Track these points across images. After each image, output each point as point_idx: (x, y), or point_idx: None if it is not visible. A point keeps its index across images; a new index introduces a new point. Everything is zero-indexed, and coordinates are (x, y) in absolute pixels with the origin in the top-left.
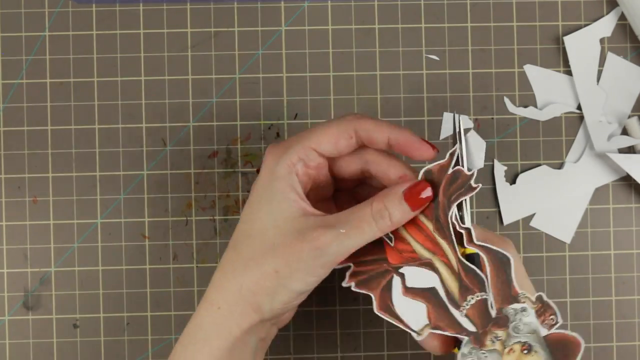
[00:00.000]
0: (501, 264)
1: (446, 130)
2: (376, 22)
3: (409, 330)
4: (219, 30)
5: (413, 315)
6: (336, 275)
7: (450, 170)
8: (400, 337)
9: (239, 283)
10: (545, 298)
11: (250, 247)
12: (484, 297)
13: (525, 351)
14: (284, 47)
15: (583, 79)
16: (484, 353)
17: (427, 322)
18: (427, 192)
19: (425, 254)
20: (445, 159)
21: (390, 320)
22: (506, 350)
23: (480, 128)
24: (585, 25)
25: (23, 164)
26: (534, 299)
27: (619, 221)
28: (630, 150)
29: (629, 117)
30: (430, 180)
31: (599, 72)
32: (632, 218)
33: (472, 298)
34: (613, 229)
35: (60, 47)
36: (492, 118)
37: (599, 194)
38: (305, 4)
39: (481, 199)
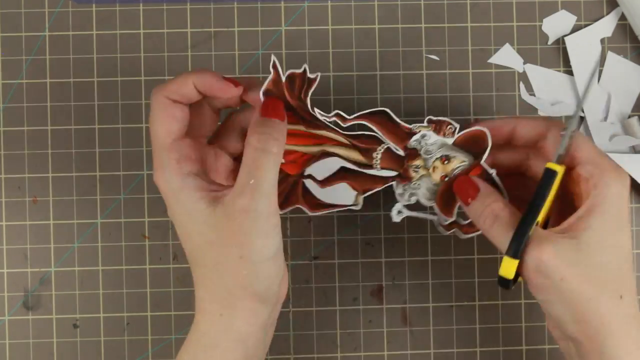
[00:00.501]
0: (381, 116)
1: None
2: (376, 22)
3: (348, 207)
4: (219, 30)
5: (342, 196)
6: (336, 276)
7: (283, 79)
8: (401, 337)
9: (224, 287)
10: (433, 118)
11: (204, 257)
12: (385, 146)
13: (446, 162)
14: (284, 47)
15: (584, 79)
16: (415, 184)
17: (355, 192)
18: (275, 104)
19: (314, 149)
20: (271, 73)
21: (329, 212)
22: (430, 170)
23: None
24: (586, 26)
25: (23, 164)
26: (425, 124)
27: None
28: (631, 150)
29: (629, 116)
30: (274, 94)
31: (600, 72)
32: (632, 218)
33: (377, 153)
34: None
35: (60, 47)
36: (492, 118)
37: None
38: (305, 4)
39: None
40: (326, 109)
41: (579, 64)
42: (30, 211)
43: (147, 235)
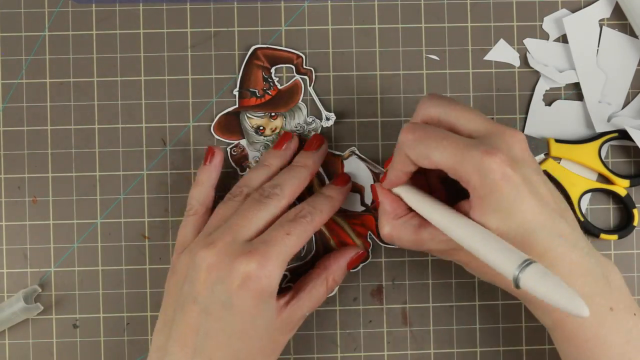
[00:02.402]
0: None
1: None
2: (376, 22)
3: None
4: (219, 30)
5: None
6: None
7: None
8: (401, 336)
9: None
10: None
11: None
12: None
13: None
14: (283, 47)
15: (583, 60)
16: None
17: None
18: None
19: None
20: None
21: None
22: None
23: None
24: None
25: (23, 164)
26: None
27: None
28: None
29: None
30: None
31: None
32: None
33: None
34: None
35: (60, 47)
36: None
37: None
38: (305, 4)
39: None
40: (326, 109)
41: (578, 46)
42: (30, 211)
43: (147, 235)
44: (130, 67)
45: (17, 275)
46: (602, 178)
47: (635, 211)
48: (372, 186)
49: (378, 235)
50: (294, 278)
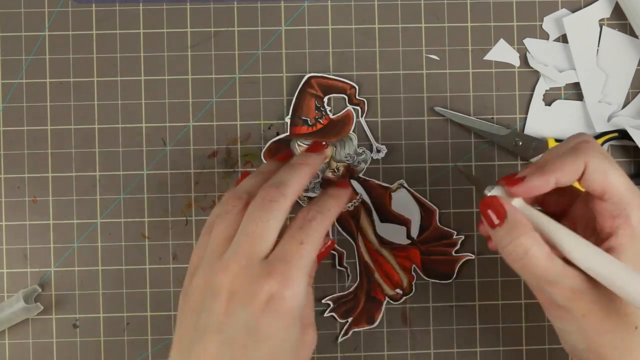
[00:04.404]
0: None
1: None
2: (376, 22)
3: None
4: (219, 30)
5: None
6: (336, 276)
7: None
8: (401, 337)
9: None
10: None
11: None
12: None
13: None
14: (284, 47)
15: (583, 60)
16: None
17: None
18: None
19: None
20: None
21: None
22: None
23: None
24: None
25: (23, 164)
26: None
27: None
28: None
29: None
30: None
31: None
32: None
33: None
34: None
35: (60, 46)
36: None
37: None
38: (305, 4)
39: None
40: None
41: (578, 45)
42: (30, 211)
43: (147, 235)
44: (130, 67)
45: (17, 275)
46: None
47: None
48: (483, 201)
49: (422, 269)
50: (336, 307)
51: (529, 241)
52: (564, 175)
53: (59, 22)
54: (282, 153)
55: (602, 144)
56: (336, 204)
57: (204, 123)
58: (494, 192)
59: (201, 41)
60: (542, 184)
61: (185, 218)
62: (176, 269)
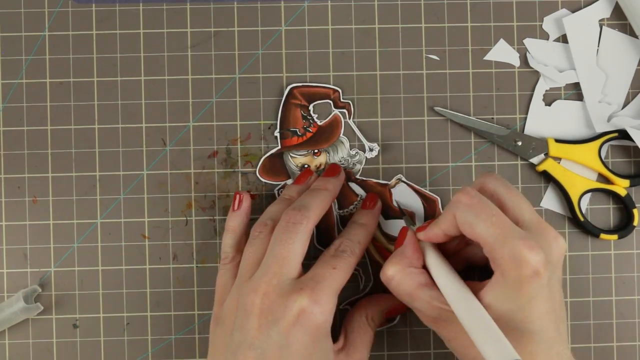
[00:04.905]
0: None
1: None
2: (376, 22)
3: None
4: (219, 30)
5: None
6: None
7: None
8: (401, 337)
9: None
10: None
11: None
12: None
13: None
14: (284, 47)
15: (583, 60)
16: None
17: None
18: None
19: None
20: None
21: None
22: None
23: None
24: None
25: (23, 164)
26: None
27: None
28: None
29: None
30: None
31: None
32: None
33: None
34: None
35: (60, 46)
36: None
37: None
38: (305, 4)
39: None
40: (326, 109)
41: (578, 45)
42: (30, 211)
43: (147, 235)
44: (130, 67)
45: (17, 275)
46: (602, 178)
47: (635, 211)
48: (403, 228)
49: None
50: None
51: (392, 271)
52: (447, 228)
53: (59, 22)
54: (300, 175)
55: (602, 144)
56: (367, 233)
57: (204, 123)
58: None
59: (201, 41)
60: (434, 234)
61: (185, 218)
62: (176, 269)
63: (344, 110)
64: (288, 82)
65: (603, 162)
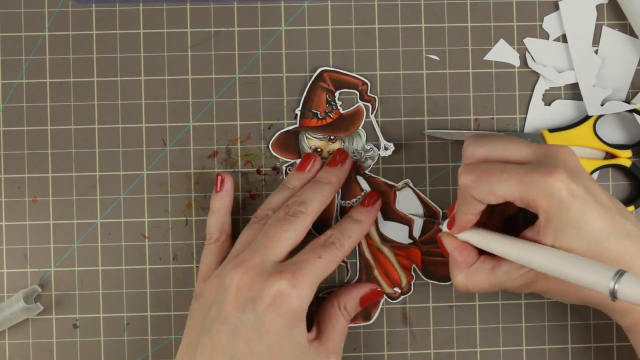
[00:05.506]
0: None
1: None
2: (376, 22)
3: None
4: (219, 30)
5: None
6: (336, 276)
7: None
8: (401, 336)
9: None
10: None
11: None
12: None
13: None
14: (284, 47)
15: (577, 44)
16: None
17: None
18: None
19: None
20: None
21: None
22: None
23: (480, 128)
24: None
25: (23, 164)
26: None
27: None
28: None
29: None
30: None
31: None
32: None
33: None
34: None
35: (60, 47)
36: (492, 118)
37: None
38: (305, 4)
39: None
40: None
41: (574, 30)
42: (30, 211)
43: (147, 235)
44: (130, 67)
45: (17, 275)
46: (608, 156)
47: None
48: (437, 238)
49: (422, 269)
50: None
51: (459, 279)
52: (472, 210)
53: (59, 22)
54: (302, 161)
55: (596, 121)
56: (360, 230)
57: (204, 123)
58: (445, 226)
59: (201, 41)
60: (466, 222)
61: (185, 218)
62: (176, 269)
63: (369, 105)
64: (288, 82)
65: (601, 139)
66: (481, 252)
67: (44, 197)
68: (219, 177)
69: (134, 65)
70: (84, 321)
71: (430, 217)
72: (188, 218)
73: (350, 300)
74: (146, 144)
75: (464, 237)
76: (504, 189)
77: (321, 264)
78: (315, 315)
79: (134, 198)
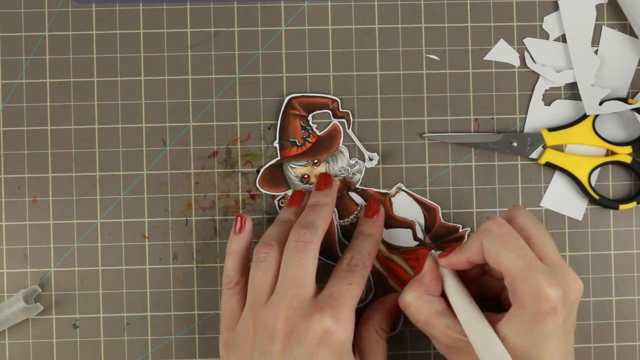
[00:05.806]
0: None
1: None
2: (376, 22)
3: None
4: (219, 30)
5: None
6: None
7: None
8: (401, 336)
9: None
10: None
11: None
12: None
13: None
14: (284, 47)
15: (577, 44)
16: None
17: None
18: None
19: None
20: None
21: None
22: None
23: (480, 128)
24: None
25: (23, 164)
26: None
27: (620, 221)
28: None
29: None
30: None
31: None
32: (633, 218)
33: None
34: (613, 229)
35: (60, 47)
36: (492, 118)
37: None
38: (305, 4)
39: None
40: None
41: (573, 29)
42: (30, 211)
43: (147, 235)
44: (130, 67)
45: (17, 275)
46: (609, 153)
47: None
48: (423, 251)
49: None
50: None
51: (410, 297)
52: (472, 255)
53: (59, 22)
54: (292, 196)
55: (595, 118)
56: (374, 243)
57: (204, 123)
58: (437, 253)
59: (201, 41)
60: (458, 261)
61: (185, 218)
62: (176, 269)
63: (343, 120)
64: (288, 82)
65: (601, 136)
66: (443, 294)
67: (44, 197)
68: (240, 219)
69: (134, 65)
70: (84, 321)
71: (429, 215)
72: (188, 218)
73: (384, 319)
74: (146, 144)
75: (442, 272)
76: (508, 262)
77: (355, 290)
78: (354, 345)
79: (134, 198)
